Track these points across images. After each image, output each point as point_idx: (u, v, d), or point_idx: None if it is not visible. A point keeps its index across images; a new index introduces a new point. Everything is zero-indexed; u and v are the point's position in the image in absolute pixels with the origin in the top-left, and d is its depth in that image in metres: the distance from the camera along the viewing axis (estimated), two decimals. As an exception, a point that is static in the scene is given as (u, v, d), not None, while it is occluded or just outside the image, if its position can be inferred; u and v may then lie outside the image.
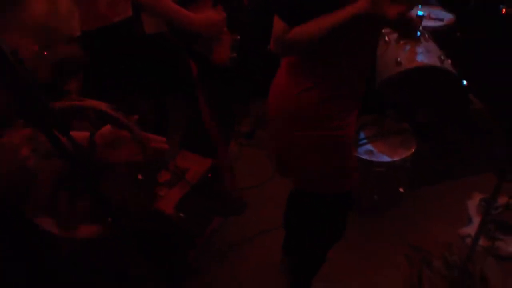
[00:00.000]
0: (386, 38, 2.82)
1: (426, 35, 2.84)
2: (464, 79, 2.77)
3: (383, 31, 2.68)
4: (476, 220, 2.66)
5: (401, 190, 2.68)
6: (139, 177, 1.32)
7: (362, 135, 2.64)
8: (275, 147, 1.85)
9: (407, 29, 1.65)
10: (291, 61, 1.63)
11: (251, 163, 3.07)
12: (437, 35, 2.92)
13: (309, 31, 1.42)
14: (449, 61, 2.69)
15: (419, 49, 2.74)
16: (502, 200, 2.60)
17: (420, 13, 2.86)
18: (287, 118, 1.67)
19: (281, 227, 2.27)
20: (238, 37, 2.18)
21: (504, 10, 2.94)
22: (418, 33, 2.79)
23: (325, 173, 1.72)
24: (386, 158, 2.51)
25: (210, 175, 2.38)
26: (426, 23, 2.99)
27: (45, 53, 1.17)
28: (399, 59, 2.64)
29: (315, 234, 1.98)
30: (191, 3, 2.07)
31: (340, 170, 1.74)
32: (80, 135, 1.14)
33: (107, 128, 1.18)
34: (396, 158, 2.50)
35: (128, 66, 2.12)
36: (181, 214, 2.19)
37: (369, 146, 2.58)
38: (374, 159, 2.50)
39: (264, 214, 2.72)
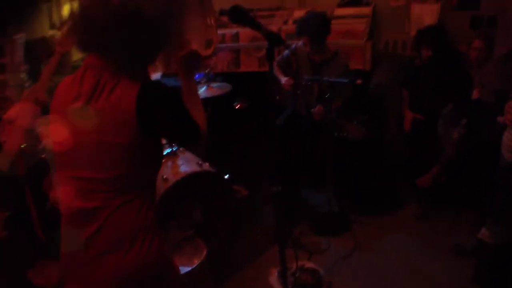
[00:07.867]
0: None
1: (181, 149, 3.13)
2: (225, 174, 3.12)
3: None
4: (282, 291, 2.89)
5: (209, 292, 2.76)
6: None
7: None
8: None
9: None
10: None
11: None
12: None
13: None
14: (207, 163, 3.00)
15: (180, 161, 3.01)
16: (294, 264, 2.90)
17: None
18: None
19: None
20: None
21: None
22: (175, 148, 3.06)
23: None
24: (186, 269, 2.57)
25: None
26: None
27: None
28: (165, 176, 2.82)
29: None
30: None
31: None
32: None
33: None
34: (194, 265, 2.58)
35: None
36: None
37: (166, 265, 2.61)
38: (175, 274, 2.53)
39: None
